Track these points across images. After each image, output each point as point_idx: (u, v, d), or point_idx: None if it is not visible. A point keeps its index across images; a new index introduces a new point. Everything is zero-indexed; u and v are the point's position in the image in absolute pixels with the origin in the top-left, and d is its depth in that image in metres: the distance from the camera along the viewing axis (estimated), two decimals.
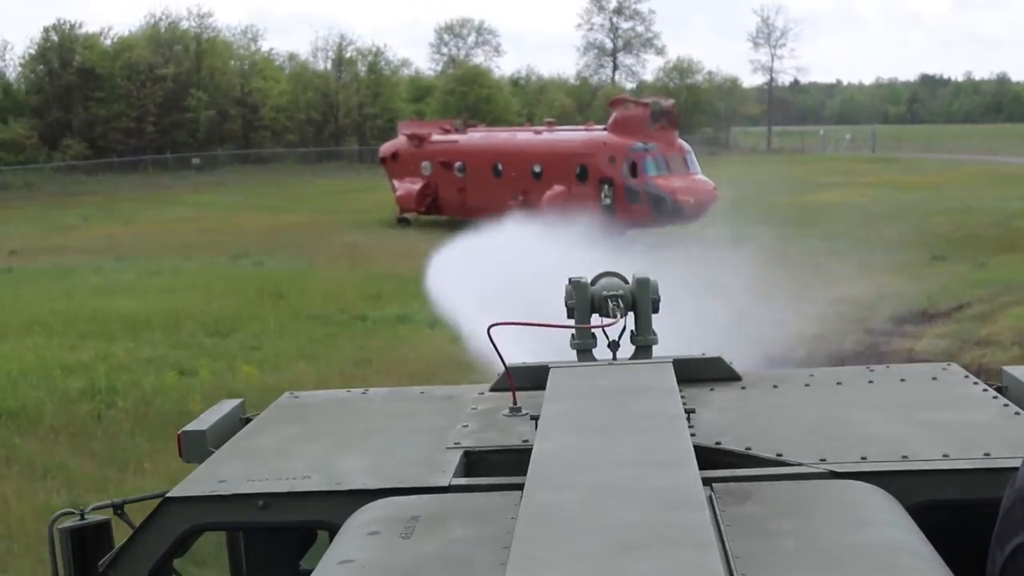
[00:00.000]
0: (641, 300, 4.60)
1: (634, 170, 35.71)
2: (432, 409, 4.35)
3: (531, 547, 2.46)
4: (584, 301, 4.59)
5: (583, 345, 4.57)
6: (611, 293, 4.58)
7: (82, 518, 3.62)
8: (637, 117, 36.72)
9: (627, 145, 36.08)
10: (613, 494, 2.75)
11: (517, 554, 2.43)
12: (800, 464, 3.37)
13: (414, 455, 3.71)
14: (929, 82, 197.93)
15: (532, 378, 4.26)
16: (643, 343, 4.60)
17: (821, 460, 3.38)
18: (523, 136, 41.88)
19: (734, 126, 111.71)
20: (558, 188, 37.09)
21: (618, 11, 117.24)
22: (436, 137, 43.45)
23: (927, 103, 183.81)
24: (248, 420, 4.47)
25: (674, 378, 3.98)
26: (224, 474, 3.63)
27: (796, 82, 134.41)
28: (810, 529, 2.83)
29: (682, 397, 3.80)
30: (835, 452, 3.44)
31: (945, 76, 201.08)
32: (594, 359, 4.55)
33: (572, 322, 4.61)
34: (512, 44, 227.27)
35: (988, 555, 2.75)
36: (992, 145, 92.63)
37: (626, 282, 4.71)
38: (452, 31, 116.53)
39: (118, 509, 3.79)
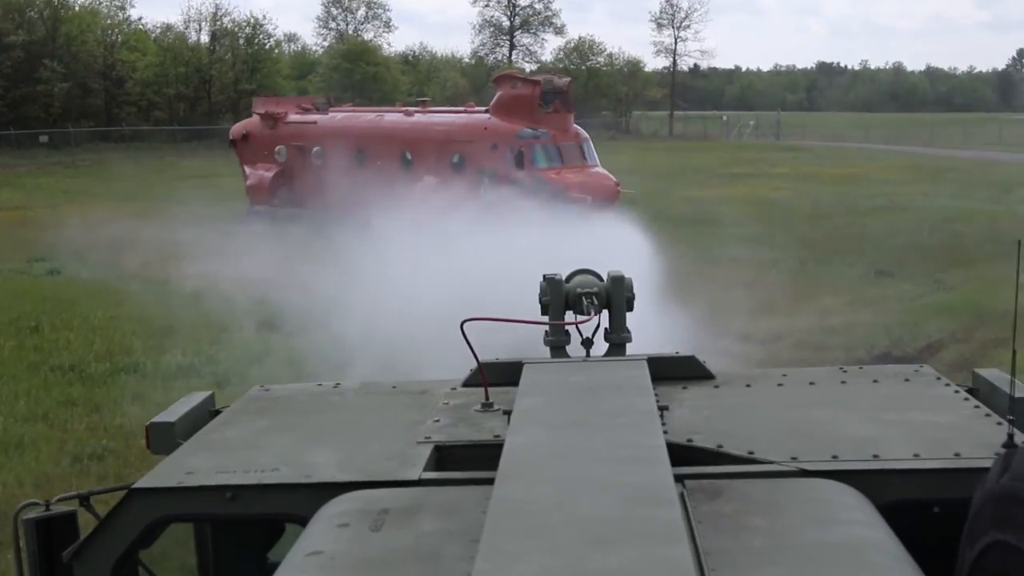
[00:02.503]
0: (616, 298, 4.59)
1: (520, 161, 29.96)
2: (404, 403, 4.30)
3: (501, 540, 2.48)
4: (559, 298, 4.58)
5: (557, 342, 4.56)
6: (586, 290, 4.58)
7: (47, 509, 3.58)
8: (525, 98, 30.84)
9: (512, 131, 30.27)
10: (584, 489, 2.76)
11: (487, 547, 2.44)
12: (771, 462, 3.36)
13: (385, 449, 3.68)
14: (827, 70, 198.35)
15: (504, 374, 4.23)
16: (617, 340, 4.59)
17: (792, 459, 3.36)
18: (391, 118, 35.58)
19: (635, 110, 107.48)
20: (429, 180, 31.23)
21: None
22: (292, 117, 37.20)
23: (825, 91, 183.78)
24: (217, 412, 4.37)
25: (648, 375, 3.97)
26: (192, 465, 3.58)
27: (696, 67, 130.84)
28: (781, 527, 2.83)
29: (655, 395, 3.77)
30: (806, 451, 3.42)
31: (842, 64, 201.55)
32: (568, 356, 4.54)
33: (546, 319, 4.59)
34: (407, 21, 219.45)
35: (958, 554, 2.74)
36: (897, 134, 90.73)
37: (601, 280, 4.68)
38: (340, 4, 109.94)
39: (84, 500, 3.75)
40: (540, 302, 4.65)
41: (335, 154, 34.52)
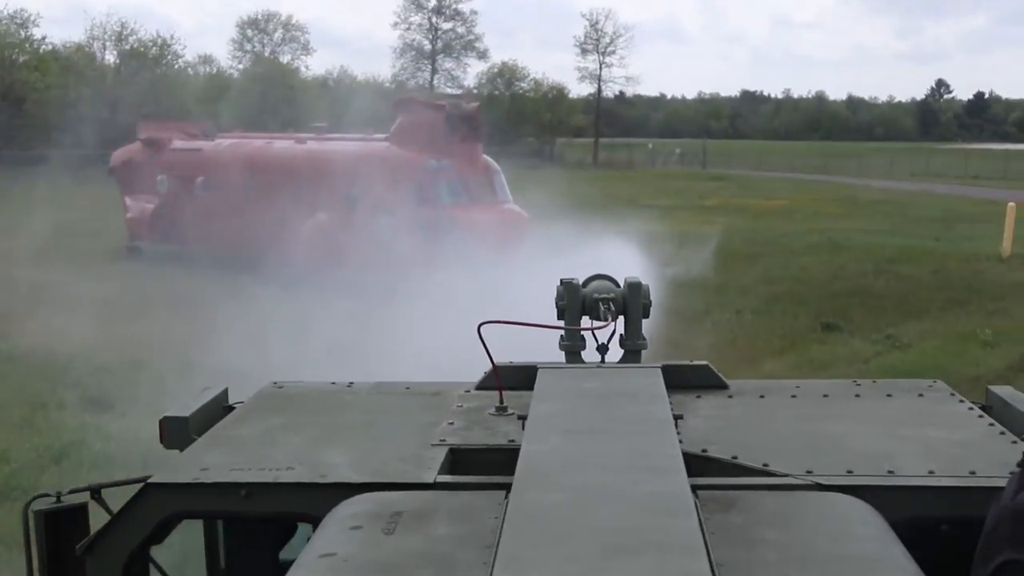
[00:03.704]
0: (632, 304, 4.63)
1: (422, 196, 26.76)
2: (418, 405, 4.25)
3: (518, 547, 2.47)
4: (575, 303, 4.62)
5: (572, 347, 4.60)
6: (603, 296, 4.61)
7: (58, 501, 3.55)
8: (428, 125, 27.57)
9: (413, 162, 27.13)
10: (602, 497, 2.77)
11: (504, 554, 2.44)
12: (786, 475, 3.32)
13: (399, 450, 3.64)
14: (750, 98, 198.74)
15: (519, 378, 4.21)
16: (632, 347, 4.60)
17: (807, 472, 3.33)
18: (281, 146, 31.95)
19: (560, 137, 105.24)
20: (321, 217, 28.07)
21: (438, 11, 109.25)
22: (176, 144, 33.72)
23: (749, 119, 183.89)
24: (231, 408, 4.35)
25: (663, 383, 3.97)
26: (206, 462, 3.52)
27: (622, 94, 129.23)
28: (794, 540, 2.81)
29: (669, 403, 3.76)
30: (821, 464, 3.38)
31: (765, 93, 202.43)
32: (583, 361, 4.56)
33: (562, 323, 4.62)
34: (329, 45, 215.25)
35: (971, 572, 2.63)
36: (824, 164, 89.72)
37: (618, 285, 4.73)
38: (256, 26, 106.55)
39: (95, 493, 3.70)
40: (556, 306, 4.68)
41: (219, 186, 31.21)
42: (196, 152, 32.71)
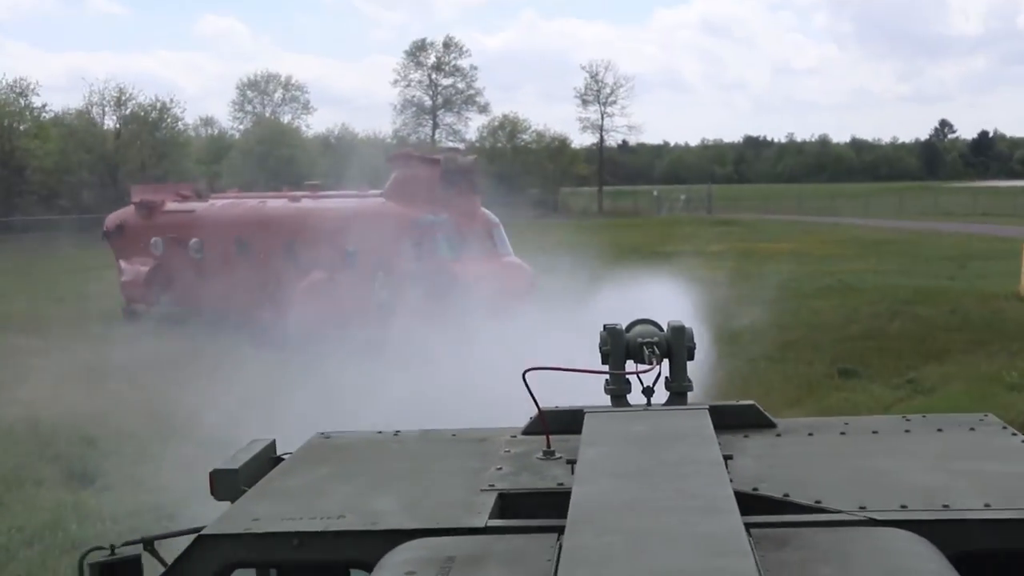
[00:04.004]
0: (676, 347, 4.63)
1: (419, 251, 25.86)
2: (465, 451, 4.29)
3: None
4: (619, 347, 4.64)
5: (618, 390, 4.61)
6: (647, 340, 4.64)
7: (112, 553, 3.61)
8: (424, 178, 26.71)
9: (409, 217, 26.26)
10: (655, 539, 2.76)
11: None
12: (839, 511, 3.30)
13: (449, 496, 3.67)
14: (753, 143, 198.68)
15: (565, 422, 4.26)
16: (678, 389, 4.60)
17: (860, 508, 3.31)
18: (275, 205, 31.05)
19: (563, 187, 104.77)
20: (317, 276, 27.27)
21: (437, 67, 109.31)
22: (170, 206, 33.03)
23: (753, 164, 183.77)
24: (279, 459, 4.42)
25: (710, 424, 3.99)
26: (258, 512, 3.59)
27: (625, 143, 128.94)
28: None
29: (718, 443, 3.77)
30: (874, 500, 3.37)
31: (768, 138, 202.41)
32: (628, 404, 4.57)
33: (607, 368, 4.64)
34: (330, 104, 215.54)
35: None
36: (830, 205, 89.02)
37: (661, 329, 4.75)
38: (256, 87, 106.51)
39: (148, 545, 3.78)
40: (600, 351, 4.67)
41: (213, 247, 30.49)
42: (189, 214, 32.05)
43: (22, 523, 12.80)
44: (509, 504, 3.62)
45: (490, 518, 3.40)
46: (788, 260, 43.38)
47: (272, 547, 3.39)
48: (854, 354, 22.33)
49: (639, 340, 4.62)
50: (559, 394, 4.38)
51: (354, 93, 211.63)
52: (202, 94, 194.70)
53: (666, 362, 4.63)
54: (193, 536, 3.47)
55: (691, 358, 4.65)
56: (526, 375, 4.09)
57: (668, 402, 4.56)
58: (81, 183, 77.05)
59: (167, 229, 32.22)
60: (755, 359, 21.99)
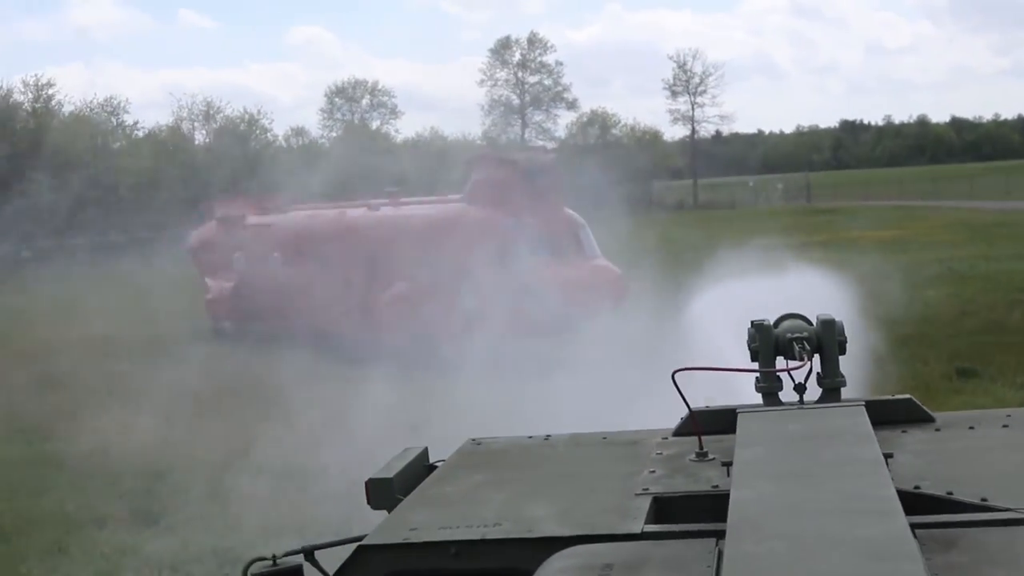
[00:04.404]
0: (827, 342, 4.44)
1: (503, 257, 24.63)
2: (616, 455, 4.29)
3: None
4: (768, 344, 4.49)
5: (769, 388, 4.45)
6: (796, 335, 4.48)
7: (275, 564, 3.73)
8: (503, 181, 25.47)
9: (490, 221, 25.19)
10: (819, 544, 2.66)
11: None
12: (1007, 509, 3.12)
13: (603, 501, 3.66)
14: (850, 127, 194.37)
15: (716, 422, 4.22)
16: (831, 385, 4.39)
17: None
18: (355, 215, 29.98)
19: (657, 180, 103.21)
20: (400, 287, 26.35)
21: (523, 65, 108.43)
22: (251, 220, 32.50)
23: (851, 148, 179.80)
24: (432, 467, 4.49)
25: (868, 421, 3.83)
26: (415, 521, 3.67)
27: (718, 133, 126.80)
28: None
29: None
30: None
31: (865, 121, 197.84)
32: (780, 402, 4.42)
33: (756, 366, 4.50)
34: (416, 108, 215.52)
35: None
36: (933, 188, 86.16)
37: (810, 323, 4.57)
38: (344, 94, 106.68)
39: (309, 555, 3.86)
40: (749, 348, 4.52)
41: (293, 260, 29.77)
42: (268, 227, 31.42)
43: (77, 571, 12.02)
44: (664, 508, 3.60)
45: (646, 523, 3.38)
46: (894, 248, 41.52)
47: (431, 556, 3.43)
48: (972, 351, 20.78)
49: (788, 336, 4.47)
50: (700, 393, 4.32)
51: (443, 96, 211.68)
52: (295, 104, 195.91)
53: (816, 357, 4.46)
54: (352, 545, 3.53)
55: (843, 352, 4.45)
56: (675, 376, 4.01)
57: (821, 399, 4.38)
58: (173, 198, 77.64)
59: (248, 244, 31.64)
60: (865, 358, 20.54)
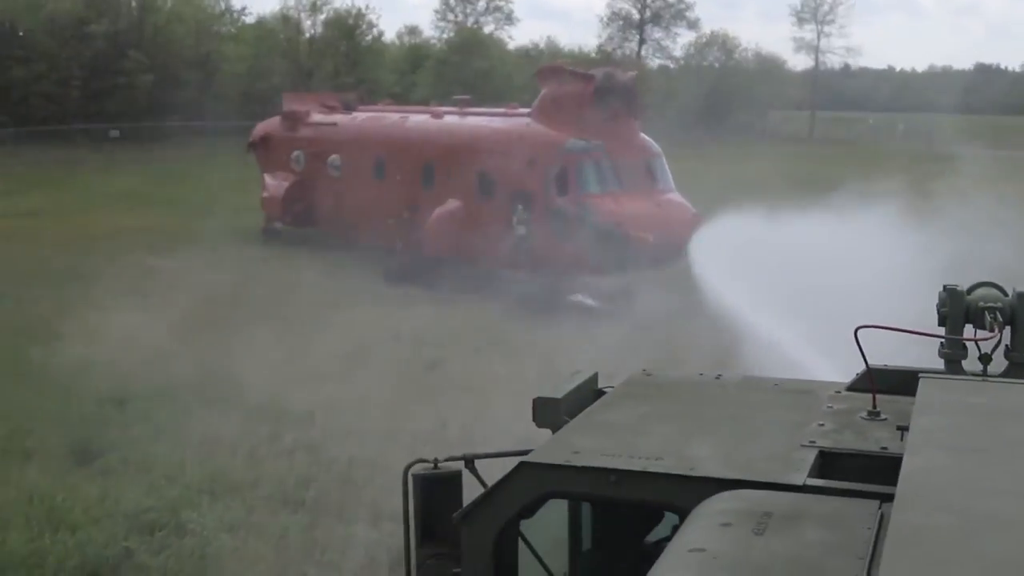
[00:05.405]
0: (1021, 315, 4.36)
1: (564, 182, 22.16)
2: (786, 402, 4.25)
3: (901, 570, 2.35)
4: (958, 310, 4.40)
5: (953, 355, 4.35)
6: (989, 305, 4.37)
7: (435, 467, 3.92)
8: (575, 96, 22.80)
9: (555, 141, 22.51)
10: (990, 524, 2.58)
11: (885, 574, 2.32)
12: None
13: (768, 449, 3.64)
14: (985, 71, 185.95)
15: (893, 382, 4.14)
16: (1020, 360, 4.32)
17: None
18: (416, 121, 27.72)
19: (775, 110, 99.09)
20: (452, 204, 24.01)
21: None
22: (314, 118, 30.32)
23: (984, 92, 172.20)
24: (601, 393, 4.53)
25: None
26: (578, 445, 3.70)
27: (846, 66, 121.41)
28: None
29: None
30: None
31: (1003, 66, 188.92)
32: (963, 371, 4.33)
33: (942, 331, 4.42)
34: (535, 16, 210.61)
35: None
36: None
37: (1005, 294, 4.47)
38: None
39: (469, 463, 4.01)
40: (938, 312, 4.44)
41: (352, 164, 27.68)
42: (331, 127, 29.31)
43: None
44: (829, 463, 3.53)
45: (809, 476, 3.34)
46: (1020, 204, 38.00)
47: (590, 481, 3.50)
48: None
49: (981, 304, 4.37)
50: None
51: (565, 5, 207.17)
52: (417, 2, 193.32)
53: (1007, 329, 4.31)
54: (513, 459, 3.65)
55: None
56: (857, 332, 3.89)
57: (1006, 373, 4.25)
58: (273, 89, 76.13)
59: (309, 143, 29.74)
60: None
